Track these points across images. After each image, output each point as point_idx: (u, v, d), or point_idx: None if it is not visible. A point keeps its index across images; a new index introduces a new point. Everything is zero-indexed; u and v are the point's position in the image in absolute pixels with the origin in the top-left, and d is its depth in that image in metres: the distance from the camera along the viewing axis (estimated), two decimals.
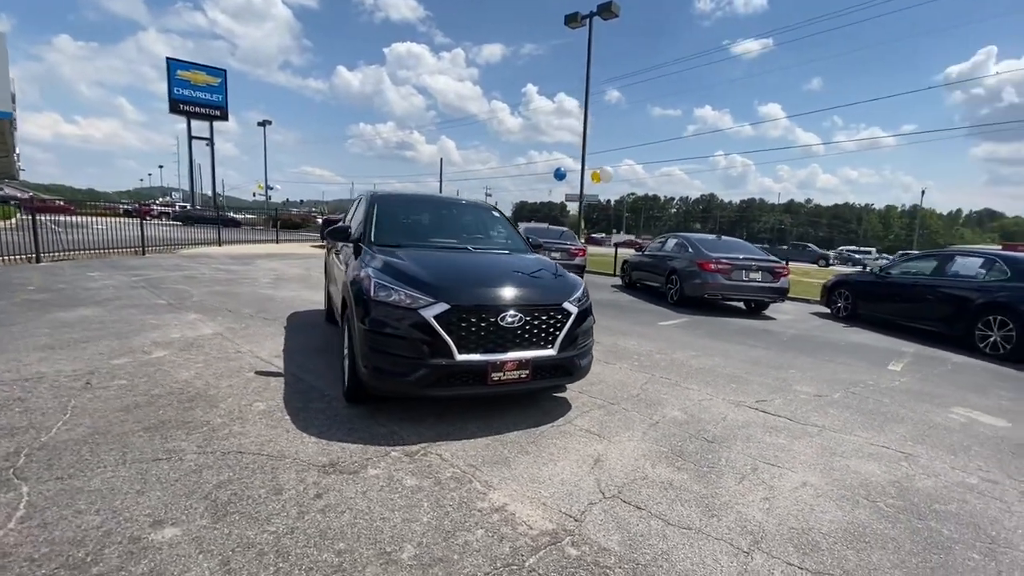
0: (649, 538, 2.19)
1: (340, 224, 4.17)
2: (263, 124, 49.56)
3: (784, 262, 9.69)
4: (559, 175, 20.62)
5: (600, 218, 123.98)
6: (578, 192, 19.42)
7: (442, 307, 2.98)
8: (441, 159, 39.13)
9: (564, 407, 3.72)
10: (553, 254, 10.90)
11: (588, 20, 18.03)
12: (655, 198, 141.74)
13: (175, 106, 43.15)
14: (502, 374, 3.06)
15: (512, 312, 3.11)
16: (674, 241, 10.79)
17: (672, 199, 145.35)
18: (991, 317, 6.71)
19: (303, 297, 7.74)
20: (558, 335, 3.26)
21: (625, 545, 2.13)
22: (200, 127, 45.68)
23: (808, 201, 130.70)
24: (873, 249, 52.65)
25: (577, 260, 12.00)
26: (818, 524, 2.40)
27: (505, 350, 3.10)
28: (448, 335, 2.96)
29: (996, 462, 3.26)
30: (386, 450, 2.85)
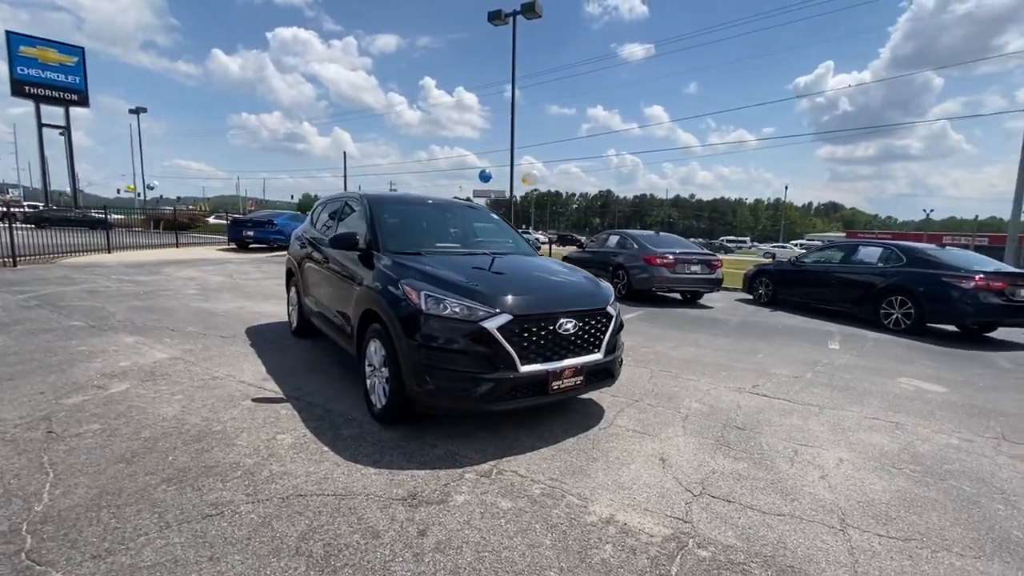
0: (757, 529, 2.30)
1: (344, 232, 3.79)
2: (136, 112, 43.28)
3: (716, 255, 10.60)
4: (484, 177, 20.59)
5: (506, 214, 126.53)
6: (488, 189, 19.61)
7: (505, 318, 2.85)
8: (344, 153, 37.21)
9: (595, 408, 3.76)
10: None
11: (512, 18, 18.17)
12: (557, 194, 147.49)
13: (19, 88, 36.15)
14: (561, 382, 3.01)
15: (568, 319, 3.07)
16: (616, 238, 11.30)
17: (573, 195, 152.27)
18: (893, 298, 7.92)
19: (250, 309, 6.96)
20: (603, 339, 3.28)
21: (743, 539, 2.22)
22: (51, 113, 38.86)
23: (692, 196, 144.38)
24: (747, 238, 58.84)
25: None
26: (875, 495, 2.68)
27: (561, 357, 3.05)
28: (511, 346, 2.85)
29: (961, 423, 3.87)
30: (458, 473, 2.68)
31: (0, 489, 2.30)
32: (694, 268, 9.80)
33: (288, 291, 5.78)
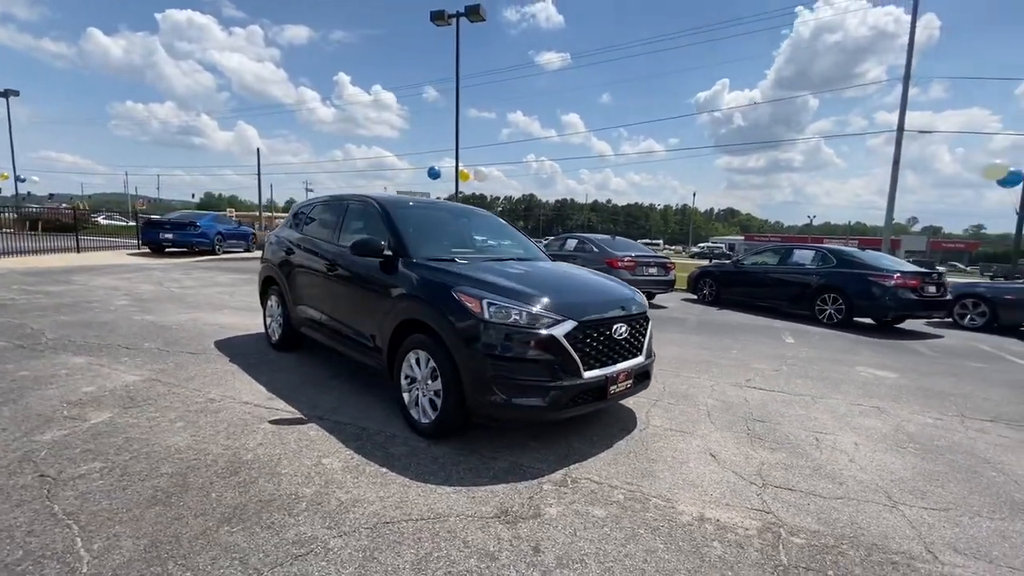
0: (828, 512, 2.49)
1: (365, 237, 3.53)
2: (6, 95, 37.10)
3: (669, 257, 11.24)
4: (433, 174, 20.17)
5: None
6: (404, 189, 19.30)
7: (571, 324, 2.83)
8: (259, 150, 34.36)
9: (625, 411, 3.84)
10: None
11: (456, 20, 18.02)
12: (482, 197, 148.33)
13: None
14: (616, 386, 3.05)
15: (621, 323, 3.12)
16: (574, 241, 11.57)
17: (498, 198, 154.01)
18: (826, 295, 8.88)
19: (206, 321, 6.27)
20: (644, 342, 3.37)
21: (822, 523, 2.39)
22: None
23: (608, 201, 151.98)
24: (660, 241, 62.65)
25: None
26: (900, 473, 3.00)
27: (615, 362, 3.09)
28: (576, 353, 2.84)
29: (925, 405, 4.43)
30: (535, 484, 2.62)
31: (19, 552, 1.89)
32: (651, 270, 10.31)
33: (265, 301, 5.29)
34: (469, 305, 2.85)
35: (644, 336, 3.37)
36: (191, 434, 3.00)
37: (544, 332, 2.77)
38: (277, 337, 5.01)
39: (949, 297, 8.88)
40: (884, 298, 8.11)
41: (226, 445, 2.88)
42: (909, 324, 9.39)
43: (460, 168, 18.94)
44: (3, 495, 2.26)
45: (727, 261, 12.49)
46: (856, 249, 9.60)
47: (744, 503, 2.55)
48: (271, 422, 3.25)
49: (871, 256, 9.11)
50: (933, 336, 8.41)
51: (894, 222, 19.60)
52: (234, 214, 34.56)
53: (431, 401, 3.08)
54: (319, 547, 2.02)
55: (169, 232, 14.68)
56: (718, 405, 4.08)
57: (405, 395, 3.26)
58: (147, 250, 15.62)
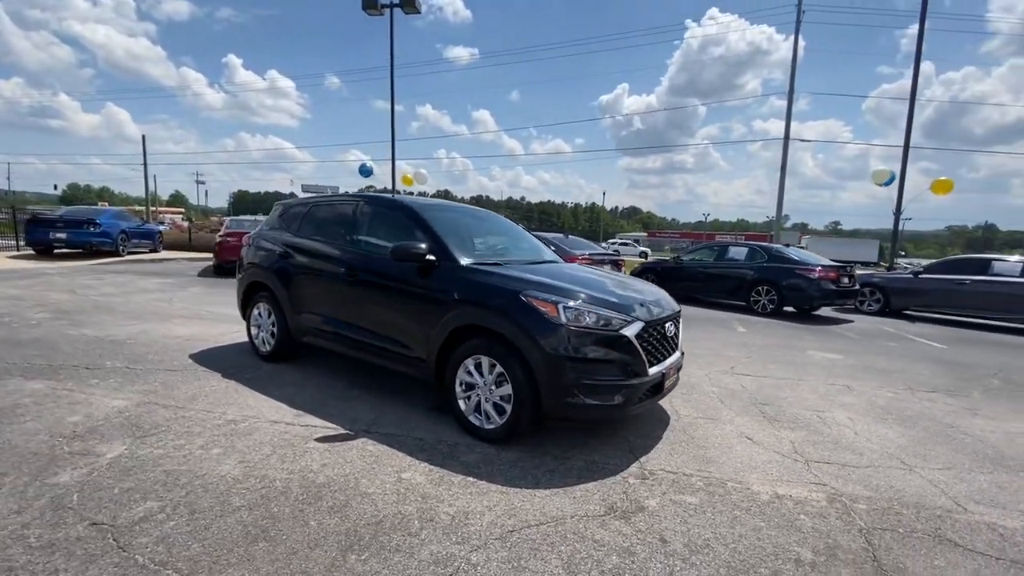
0: (869, 480, 2.88)
1: (404, 243, 3.37)
2: None
3: (618, 254, 11.84)
4: (365, 171, 19.27)
5: None
6: (310, 183, 18.66)
7: (639, 324, 2.97)
8: (144, 136, 30.29)
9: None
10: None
11: (390, 11, 17.40)
12: (396, 192, 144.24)
13: None
14: (668, 381, 3.25)
15: (670, 322, 3.32)
16: None
17: (411, 193, 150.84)
18: (760, 287, 9.91)
19: (161, 333, 5.57)
20: (679, 337, 3.61)
21: (871, 489, 2.76)
22: None
23: (522, 199, 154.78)
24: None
25: None
26: (897, 441, 3.52)
27: (665, 358, 3.28)
28: (643, 351, 2.99)
29: (879, 381, 5.17)
30: (621, 479, 2.74)
31: None
32: (606, 268, 10.80)
33: (249, 310, 4.83)
34: (544, 310, 2.88)
35: (679, 332, 3.61)
36: (238, 460, 2.72)
37: (618, 333, 2.89)
38: (269, 348, 4.61)
39: (857, 287, 10.33)
40: (810, 289, 9.25)
41: (287, 469, 2.66)
42: (823, 311, 10.78)
43: (408, 173, 18.38)
44: (64, 552, 1.92)
45: (667, 258, 13.43)
46: (780, 245, 10.81)
47: (801, 479, 2.86)
48: (318, 440, 3.04)
49: (796, 252, 10.32)
50: (845, 321, 9.74)
51: (769, 219, 22.21)
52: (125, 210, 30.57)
53: (496, 406, 3.06)
54: (462, 563, 1.97)
55: (62, 231, 12.64)
56: (723, 392, 4.46)
57: (461, 402, 3.21)
58: (32, 251, 13.33)
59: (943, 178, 14.78)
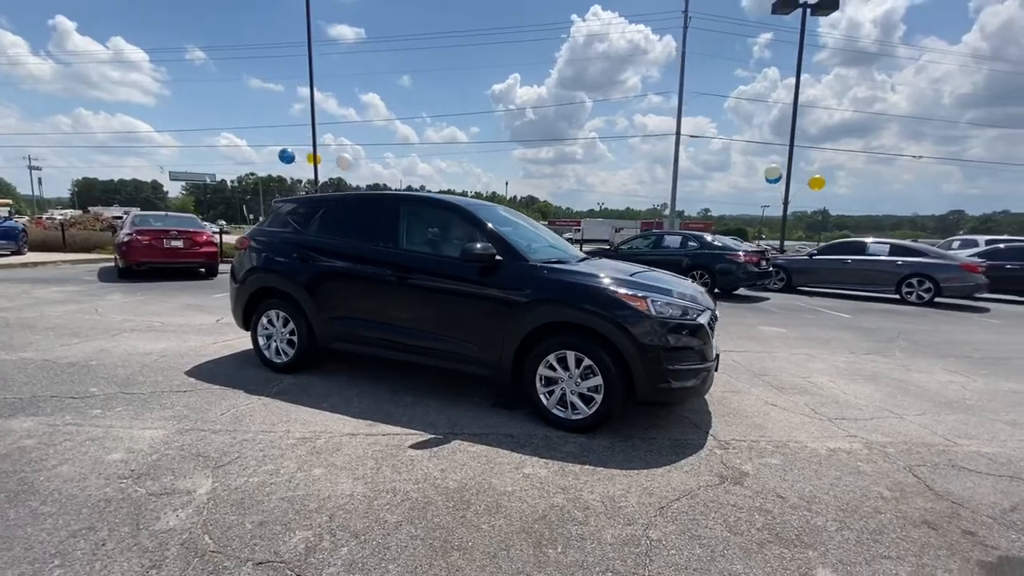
0: (882, 428, 3.53)
1: (474, 244, 3.36)
2: None
3: None
4: (286, 158, 17.65)
5: (217, 200, 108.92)
6: (179, 171, 17.32)
7: (709, 314, 3.32)
8: None
9: None
10: (175, 242, 10.31)
11: None
12: (280, 180, 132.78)
13: None
14: (718, 362, 3.66)
15: (710, 310, 3.72)
16: None
17: (299, 180, 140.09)
18: (695, 272, 11.02)
19: (130, 350, 4.84)
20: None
21: (887, 436, 3.40)
22: None
23: (422, 187, 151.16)
24: None
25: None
26: (876, 396, 4.30)
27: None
28: (711, 339, 3.35)
29: (826, 348, 6.15)
30: (709, 451, 3.08)
31: None
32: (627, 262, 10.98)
33: (254, 318, 4.41)
34: (635, 304, 3.11)
35: None
36: (352, 478, 2.61)
37: (696, 322, 3.20)
38: (286, 358, 4.27)
39: (771, 269, 11.92)
40: (738, 272, 10.52)
41: (410, 479, 2.61)
42: (741, 290, 12.28)
43: (345, 155, 17.13)
44: None
45: (607, 248, 14.26)
46: (708, 234, 12.08)
47: (837, 434, 3.43)
48: (414, 448, 2.98)
49: (722, 239, 11.61)
50: (763, 299, 11.22)
51: (655, 207, 24.52)
52: None
53: (583, 397, 3.23)
54: (644, 539, 2.16)
55: None
56: (724, 367, 5.05)
57: (543, 397, 3.33)
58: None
59: (817, 176, 17.47)
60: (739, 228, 66.82)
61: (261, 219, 4.95)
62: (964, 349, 6.34)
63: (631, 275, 3.53)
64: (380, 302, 3.85)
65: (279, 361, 4.32)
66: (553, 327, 3.29)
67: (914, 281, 10.84)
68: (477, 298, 3.50)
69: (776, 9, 16.83)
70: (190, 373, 4.24)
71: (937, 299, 10.63)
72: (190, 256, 10.50)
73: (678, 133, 23.28)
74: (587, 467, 2.82)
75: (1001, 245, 13.09)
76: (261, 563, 1.94)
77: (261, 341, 4.40)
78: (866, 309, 9.95)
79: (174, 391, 3.79)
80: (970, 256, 12.17)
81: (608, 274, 3.40)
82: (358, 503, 2.37)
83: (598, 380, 3.16)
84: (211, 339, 5.45)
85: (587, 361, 3.18)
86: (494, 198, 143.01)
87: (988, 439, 3.44)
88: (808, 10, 16.55)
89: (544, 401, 3.34)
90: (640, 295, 3.15)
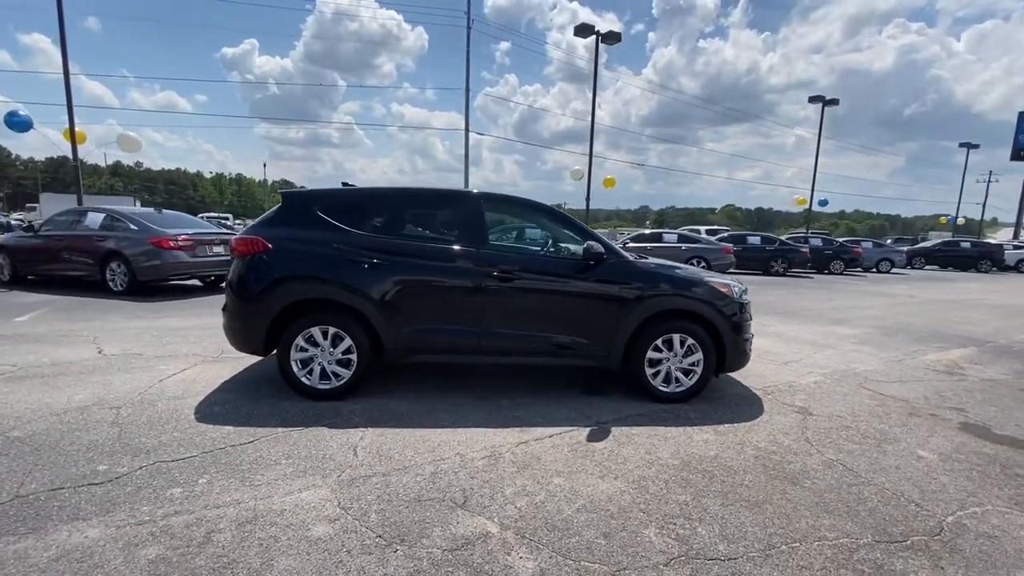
0: (830, 365, 5.15)
1: (592, 244, 3.55)
2: None
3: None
4: (18, 122, 11.86)
5: None
6: None
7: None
8: None
9: None
10: None
11: None
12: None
13: None
14: None
15: None
16: (98, 217, 8.58)
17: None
18: None
19: (125, 389, 3.21)
20: None
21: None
22: None
23: (139, 164, 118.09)
24: (231, 216, 50.46)
25: None
26: (788, 346, 6.09)
27: None
28: None
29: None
30: (775, 400, 4.07)
31: None
32: (217, 249, 8.67)
33: (284, 338, 3.51)
34: (724, 291, 3.85)
35: None
36: (594, 476, 2.67)
37: (743, 300, 4.09)
38: (341, 381, 3.59)
39: None
40: None
41: (643, 464, 2.81)
42: None
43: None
44: None
45: None
46: None
47: (802, 372, 4.87)
48: (590, 441, 3.11)
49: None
50: None
51: None
52: None
53: (685, 371, 3.83)
54: (823, 457, 2.96)
55: None
56: None
57: (650, 376, 3.80)
58: None
59: (609, 176, 21.39)
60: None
61: (266, 215, 3.75)
62: (776, 308, 9.16)
63: (694, 267, 4.28)
64: (479, 306, 3.65)
65: (325, 387, 3.59)
66: (660, 314, 3.78)
67: (694, 260, 14.61)
68: (589, 295, 3.72)
69: (577, 33, 19.72)
70: (204, 419, 3.19)
71: None
72: None
73: (467, 129, 23.70)
74: (724, 426, 3.45)
75: (725, 234, 18.61)
76: (673, 560, 2.01)
77: (295, 367, 3.56)
78: None
79: (236, 445, 2.86)
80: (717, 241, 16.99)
81: (687, 267, 4.07)
82: (646, 491, 2.50)
83: (698, 356, 3.80)
84: (131, 378, 3.99)
85: (690, 340, 3.79)
86: (241, 182, 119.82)
87: (871, 362, 5.40)
88: (599, 38, 19.90)
89: (651, 380, 3.82)
90: (726, 282, 3.92)
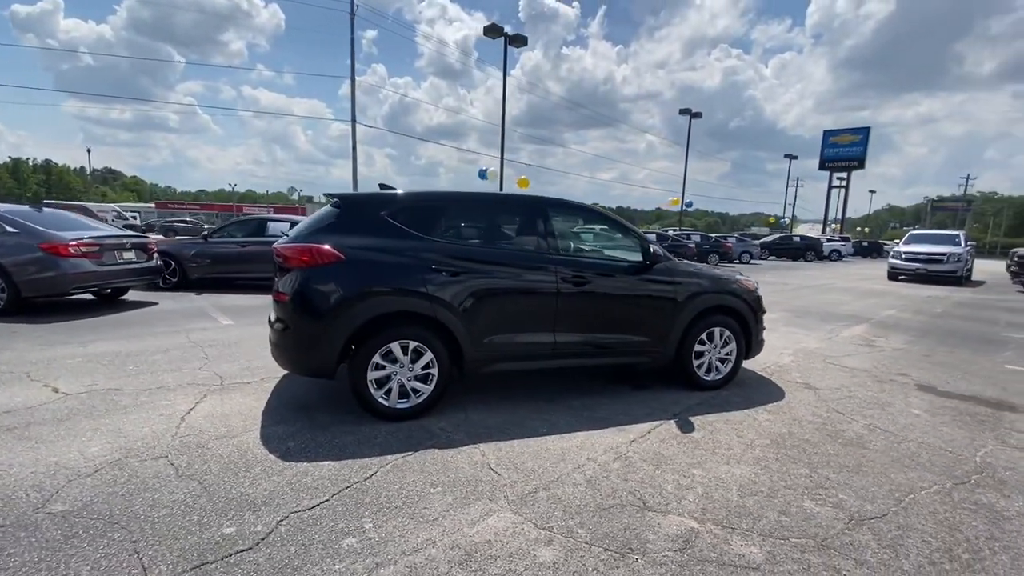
0: (794, 344, 6.04)
1: (658, 248, 3.79)
2: None
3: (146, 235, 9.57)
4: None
5: None
6: None
7: None
8: None
9: None
10: None
11: None
12: None
13: None
14: None
15: None
16: None
17: None
18: None
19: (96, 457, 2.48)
20: None
21: (805, 350, 5.91)
22: None
23: None
24: (115, 208, 42.00)
25: None
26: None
27: None
28: None
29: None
30: (783, 377, 4.72)
31: None
32: (128, 255, 7.26)
33: (363, 356, 3.16)
34: (750, 286, 4.37)
35: None
36: (735, 465, 2.92)
37: (760, 293, 4.69)
38: (422, 397, 3.35)
39: None
40: None
41: (753, 443, 3.13)
42: None
43: None
44: None
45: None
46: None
47: (784, 353, 5.69)
48: (682, 432, 3.37)
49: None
50: None
51: (276, 191, 24.13)
52: None
53: (721, 360, 4.29)
54: (854, 427, 3.60)
55: None
56: None
57: (697, 367, 4.18)
58: None
59: (523, 177, 22.00)
60: None
61: (319, 220, 3.20)
62: None
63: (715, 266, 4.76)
64: (554, 310, 3.67)
65: (403, 406, 3.33)
66: (705, 310, 4.17)
67: None
68: (651, 296, 3.96)
69: (486, 33, 19.87)
70: (289, 457, 2.78)
71: None
72: None
73: (353, 120, 22.23)
74: (770, 405, 3.95)
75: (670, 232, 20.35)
76: (850, 525, 2.33)
77: (371, 387, 3.24)
78: None
79: (359, 481, 2.56)
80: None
81: (716, 268, 4.51)
82: (771, 470, 2.81)
83: (732, 346, 4.29)
84: (140, 419, 3.29)
85: (727, 333, 4.25)
86: (50, 170, 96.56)
87: (811, 342, 6.45)
88: (507, 39, 20.30)
89: (697, 371, 4.20)
90: (748, 279, 4.44)
